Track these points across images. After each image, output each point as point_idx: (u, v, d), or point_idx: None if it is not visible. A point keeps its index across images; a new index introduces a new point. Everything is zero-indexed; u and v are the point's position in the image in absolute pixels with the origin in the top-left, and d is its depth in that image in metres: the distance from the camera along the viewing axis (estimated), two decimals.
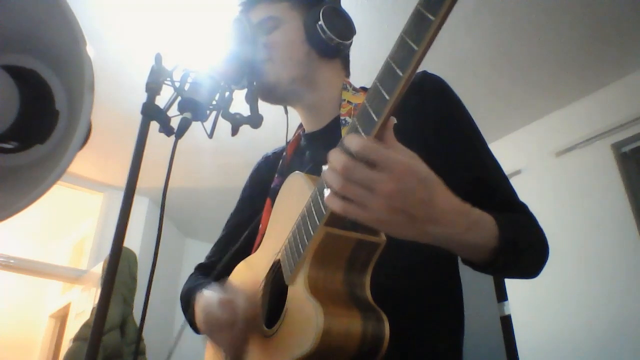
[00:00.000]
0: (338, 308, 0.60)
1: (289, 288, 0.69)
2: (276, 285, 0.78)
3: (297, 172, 0.77)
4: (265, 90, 0.96)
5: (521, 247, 0.68)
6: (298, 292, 0.65)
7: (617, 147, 2.77)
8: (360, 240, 0.63)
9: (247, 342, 0.80)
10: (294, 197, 0.76)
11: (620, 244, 2.57)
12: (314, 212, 0.63)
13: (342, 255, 0.64)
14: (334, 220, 0.61)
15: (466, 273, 0.90)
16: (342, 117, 0.89)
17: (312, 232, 0.63)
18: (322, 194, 0.61)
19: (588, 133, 2.83)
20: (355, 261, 0.65)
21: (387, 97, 0.50)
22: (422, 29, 0.46)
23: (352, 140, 0.52)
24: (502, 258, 0.65)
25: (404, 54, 0.48)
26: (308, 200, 0.66)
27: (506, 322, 2.99)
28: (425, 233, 0.56)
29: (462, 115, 0.87)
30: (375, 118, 0.51)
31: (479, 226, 0.62)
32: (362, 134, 0.53)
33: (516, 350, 2.80)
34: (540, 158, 3.05)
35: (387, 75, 0.51)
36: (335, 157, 0.53)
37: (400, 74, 0.48)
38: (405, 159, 0.52)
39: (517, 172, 3.10)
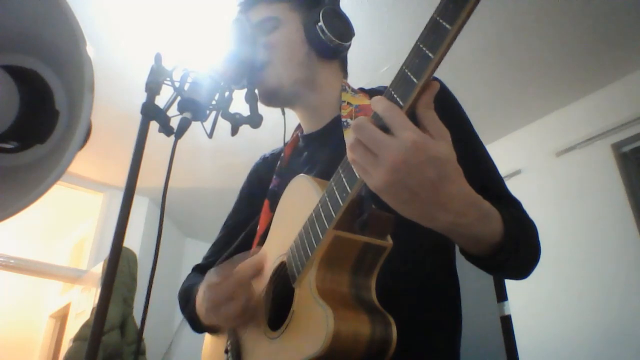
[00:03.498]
0: (347, 311, 0.60)
1: (295, 290, 0.69)
2: (281, 287, 0.78)
3: (302, 175, 0.78)
4: (268, 95, 0.96)
5: (521, 245, 0.68)
6: (305, 295, 0.65)
7: (617, 147, 2.78)
8: (368, 243, 0.64)
9: (249, 318, 0.79)
10: (299, 199, 0.76)
11: (620, 244, 2.56)
12: (323, 216, 0.63)
13: (349, 258, 0.65)
14: (343, 223, 0.61)
15: (467, 273, 0.90)
16: (343, 119, 0.89)
17: (320, 236, 0.64)
18: (332, 197, 0.62)
19: (588, 133, 2.83)
20: (362, 264, 0.65)
21: (401, 103, 0.51)
22: (438, 37, 0.47)
23: (379, 104, 0.51)
24: (503, 253, 0.64)
25: (420, 62, 0.49)
26: (317, 204, 0.66)
27: (506, 322, 2.99)
28: (431, 217, 0.54)
29: (461, 117, 0.88)
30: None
31: (487, 219, 0.61)
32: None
33: (516, 350, 2.80)
34: (540, 158, 3.06)
35: (401, 82, 0.51)
36: (357, 118, 0.53)
37: (415, 81, 0.49)
38: (423, 134, 0.49)
39: (517, 172, 3.10)
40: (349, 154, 0.54)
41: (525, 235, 0.71)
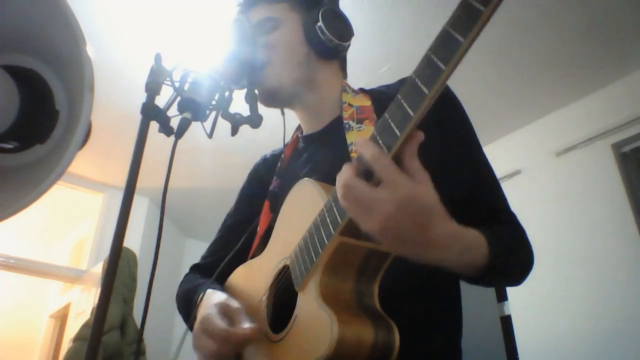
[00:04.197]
0: (350, 317, 0.60)
1: (299, 295, 0.69)
2: (283, 291, 0.78)
3: (307, 179, 0.78)
4: (268, 95, 0.96)
5: (508, 264, 0.71)
6: (309, 300, 0.65)
7: (617, 147, 2.78)
8: (372, 250, 0.64)
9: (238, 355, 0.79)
10: (303, 203, 0.76)
11: (620, 244, 2.57)
12: (329, 221, 0.63)
13: (353, 264, 0.65)
14: (349, 230, 0.61)
15: None
16: (345, 121, 0.89)
17: (326, 241, 0.64)
18: (338, 202, 0.62)
19: (588, 133, 2.83)
20: (365, 270, 0.66)
21: (411, 114, 0.51)
22: (450, 49, 0.48)
23: (367, 150, 0.53)
24: (489, 275, 0.67)
25: (431, 73, 0.49)
26: (322, 209, 0.66)
27: (506, 322, 2.99)
28: (420, 254, 0.57)
29: (464, 123, 0.87)
30: (398, 133, 0.52)
31: (472, 249, 0.64)
32: (384, 148, 0.54)
33: (516, 350, 2.80)
34: (540, 158, 3.05)
35: (411, 92, 0.51)
36: (343, 170, 0.56)
37: (426, 91, 0.49)
38: (412, 184, 0.52)
39: (517, 172, 3.09)
40: (342, 202, 0.56)
41: (512, 253, 0.73)
